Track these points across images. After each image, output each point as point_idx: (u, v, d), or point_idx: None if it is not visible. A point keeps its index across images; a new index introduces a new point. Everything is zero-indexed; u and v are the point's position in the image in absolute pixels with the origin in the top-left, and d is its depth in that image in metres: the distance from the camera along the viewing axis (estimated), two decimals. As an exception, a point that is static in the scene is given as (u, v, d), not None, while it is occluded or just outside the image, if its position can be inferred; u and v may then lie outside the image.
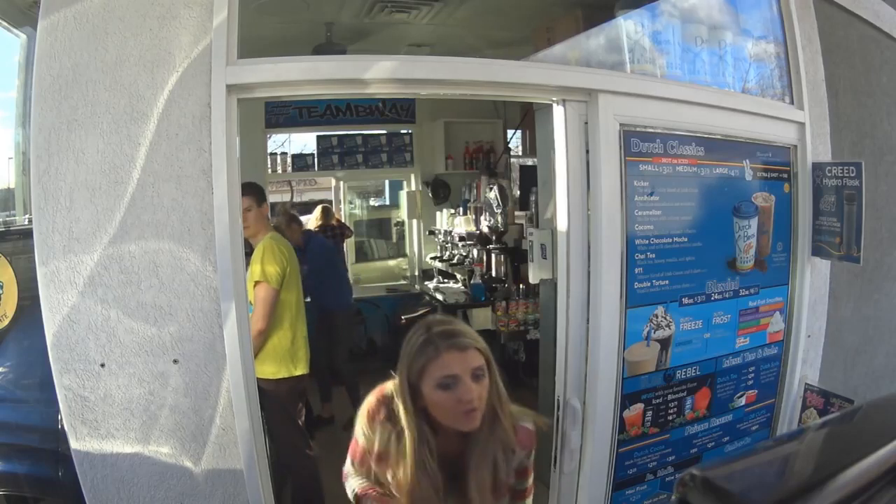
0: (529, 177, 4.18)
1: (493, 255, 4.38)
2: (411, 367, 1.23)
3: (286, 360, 2.49)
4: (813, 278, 2.31)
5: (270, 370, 2.45)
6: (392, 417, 1.27)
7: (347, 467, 1.42)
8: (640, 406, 1.96)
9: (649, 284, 1.92)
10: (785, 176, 2.24)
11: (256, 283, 2.42)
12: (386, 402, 1.30)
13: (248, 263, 2.29)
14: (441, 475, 1.25)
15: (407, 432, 1.24)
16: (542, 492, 2.04)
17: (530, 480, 1.39)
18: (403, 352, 1.27)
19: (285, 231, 3.68)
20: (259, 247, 2.50)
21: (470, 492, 1.25)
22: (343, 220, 5.64)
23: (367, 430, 1.31)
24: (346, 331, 4.06)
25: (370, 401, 1.33)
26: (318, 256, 3.85)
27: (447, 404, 1.20)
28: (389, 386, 1.32)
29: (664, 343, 1.97)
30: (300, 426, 2.61)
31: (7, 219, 2.99)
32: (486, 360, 1.23)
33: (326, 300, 3.80)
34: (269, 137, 5.46)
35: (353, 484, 1.38)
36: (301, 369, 2.55)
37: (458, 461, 1.28)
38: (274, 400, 2.43)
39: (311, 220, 4.85)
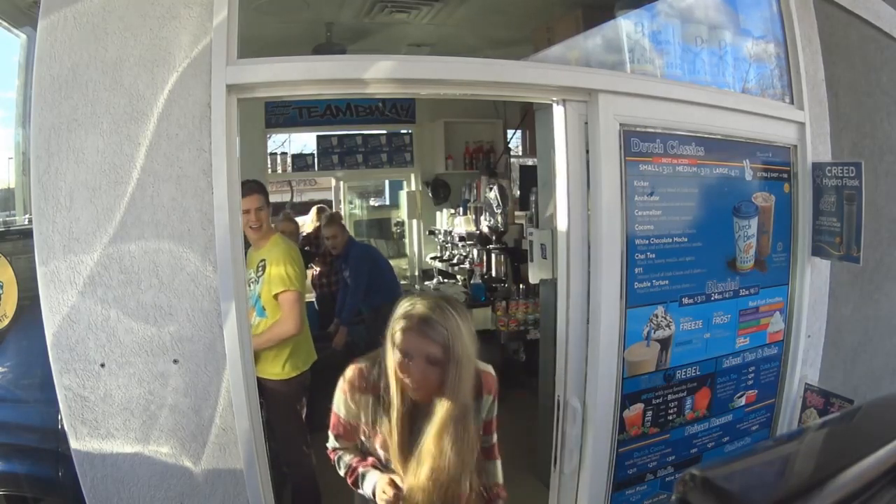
0: (529, 177, 4.17)
1: (493, 255, 4.38)
2: (390, 329, 1.39)
3: (296, 359, 2.52)
4: (813, 278, 2.31)
5: (285, 370, 2.47)
6: (372, 386, 1.42)
7: (332, 443, 1.52)
8: (640, 406, 1.96)
9: (649, 284, 1.92)
10: (785, 176, 2.24)
11: (286, 290, 2.40)
12: (363, 373, 1.44)
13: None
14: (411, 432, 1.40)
15: (392, 386, 1.37)
16: (542, 492, 2.04)
17: (495, 437, 1.51)
18: (394, 313, 1.41)
19: (332, 239, 3.86)
20: (280, 251, 2.47)
21: (421, 454, 1.37)
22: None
23: (350, 404, 1.44)
24: None
25: (348, 376, 1.45)
26: (364, 261, 3.89)
27: (399, 372, 1.35)
28: (362, 361, 1.46)
29: (664, 343, 1.97)
30: (304, 423, 2.62)
31: (7, 219, 2.99)
32: (445, 351, 1.33)
33: (378, 298, 3.82)
34: (269, 137, 5.45)
35: (347, 459, 1.49)
36: (306, 365, 2.57)
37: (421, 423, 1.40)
38: (285, 399, 2.46)
39: (307, 222, 4.84)
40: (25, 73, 2.88)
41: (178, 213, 1.55)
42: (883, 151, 2.68)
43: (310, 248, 4.45)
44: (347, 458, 1.49)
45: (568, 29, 2.84)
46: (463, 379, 1.36)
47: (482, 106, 5.39)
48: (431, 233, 5.53)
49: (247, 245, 2.48)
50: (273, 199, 6.18)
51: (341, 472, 1.50)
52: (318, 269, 4.48)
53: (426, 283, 5.26)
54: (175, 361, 1.57)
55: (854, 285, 2.58)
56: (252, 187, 2.41)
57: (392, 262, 5.93)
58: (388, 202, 6.58)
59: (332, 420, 1.49)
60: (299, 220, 4.60)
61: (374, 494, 1.40)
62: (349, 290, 3.87)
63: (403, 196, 5.72)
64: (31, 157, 1.51)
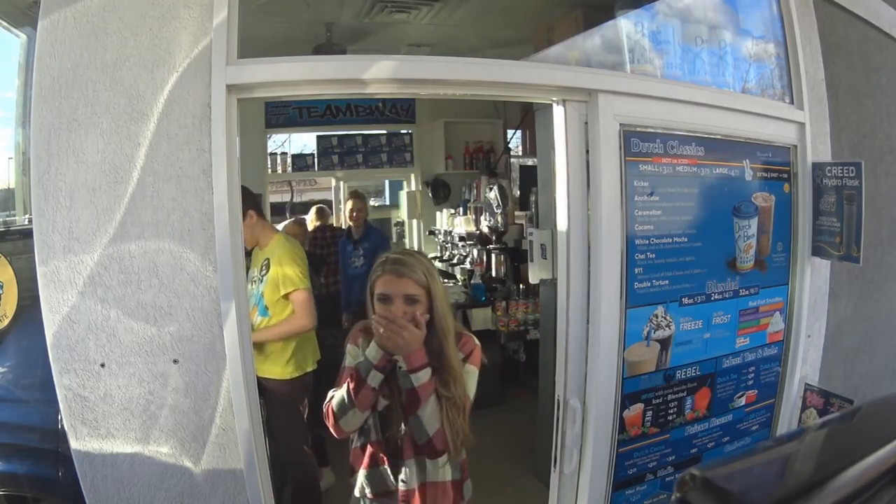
0: (529, 177, 4.18)
1: (493, 255, 4.38)
2: (370, 280, 1.46)
3: (299, 359, 2.52)
4: (813, 278, 2.31)
5: (287, 370, 2.48)
6: (370, 334, 1.43)
7: (330, 394, 1.47)
8: (640, 406, 1.96)
9: (649, 284, 1.92)
10: (785, 176, 2.24)
11: (297, 289, 2.42)
12: (365, 326, 1.50)
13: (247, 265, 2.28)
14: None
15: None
16: (542, 492, 2.05)
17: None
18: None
19: (358, 212, 4.06)
20: (284, 250, 2.48)
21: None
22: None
23: (353, 350, 1.48)
24: None
25: (353, 330, 1.54)
26: (385, 241, 4.06)
27: (378, 320, 1.35)
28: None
29: (664, 343, 1.97)
30: (305, 424, 2.63)
31: (7, 219, 2.99)
32: (423, 288, 1.40)
33: None
34: (269, 137, 5.46)
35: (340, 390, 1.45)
36: (311, 365, 2.58)
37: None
38: (287, 399, 2.47)
39: (308, 221, 4.85)
40: (25, 73, 2.88)
41: (179, 213, 1.55)
42: (883, 151, 2.68)
43: (311, 249, 4.46)
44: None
45: (568, 29, 2.84)
46: (445, 330, 1.39)
47: (482, 106, 5.39)
48: (431, 233, 5.54)
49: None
50: (273, 199, 6.20)
51: (335, 401, 1.41)
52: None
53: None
54: (175, 361, 1.57)
55: (854, 285, 2.57)
56: None
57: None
58: (388, 202, 6.59)
59: (342, 374, 1.45)
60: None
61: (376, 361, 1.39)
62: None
63: (403, 196, 5.73)
64: (31, 157, 1.51)
